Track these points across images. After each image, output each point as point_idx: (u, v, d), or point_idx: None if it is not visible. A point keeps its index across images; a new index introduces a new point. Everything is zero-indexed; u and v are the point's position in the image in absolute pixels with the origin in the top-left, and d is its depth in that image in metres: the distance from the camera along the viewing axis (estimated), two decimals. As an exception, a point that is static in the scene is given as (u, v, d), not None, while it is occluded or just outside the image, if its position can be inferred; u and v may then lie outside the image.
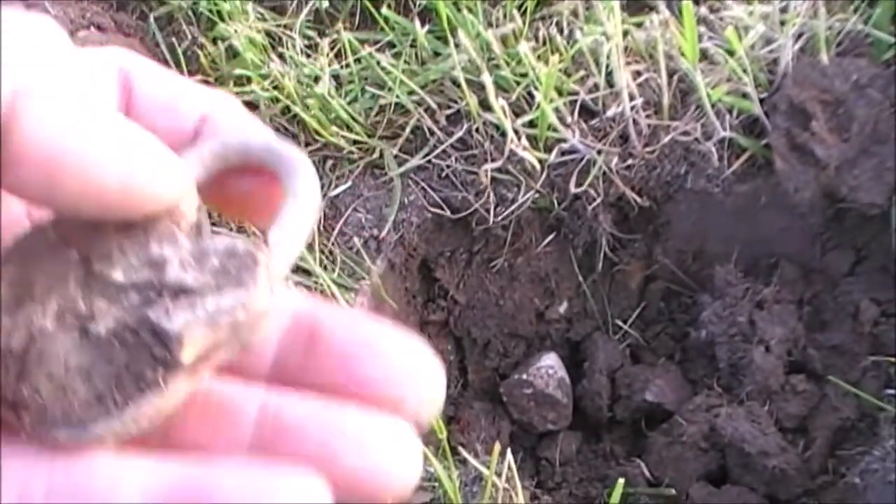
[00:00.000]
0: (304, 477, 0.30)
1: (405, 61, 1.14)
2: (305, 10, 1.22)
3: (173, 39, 1.23)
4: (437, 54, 1.15)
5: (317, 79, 1.14)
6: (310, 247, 1.07)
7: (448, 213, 1.12)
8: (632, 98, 1.08)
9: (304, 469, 0.30)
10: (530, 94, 1.09)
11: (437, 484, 0.95)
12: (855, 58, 1.08)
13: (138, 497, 0.30)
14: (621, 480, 0.88)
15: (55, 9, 1.07)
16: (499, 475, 0.93)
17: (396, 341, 0.33)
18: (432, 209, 1.12)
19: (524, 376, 1.16)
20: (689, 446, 1.06)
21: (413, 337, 0.33)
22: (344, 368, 0.33)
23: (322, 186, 1.12)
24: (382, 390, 0.32)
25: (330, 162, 1.16)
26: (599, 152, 1.09)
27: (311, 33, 1.21)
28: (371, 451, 0.31)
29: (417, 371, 0.33)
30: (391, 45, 1.17)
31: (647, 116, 1.10)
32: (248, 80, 1.16)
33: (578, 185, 1.10)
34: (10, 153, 0.28)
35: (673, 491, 1.06)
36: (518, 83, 1.09)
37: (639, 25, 1.11)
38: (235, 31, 1.17)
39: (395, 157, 1.13)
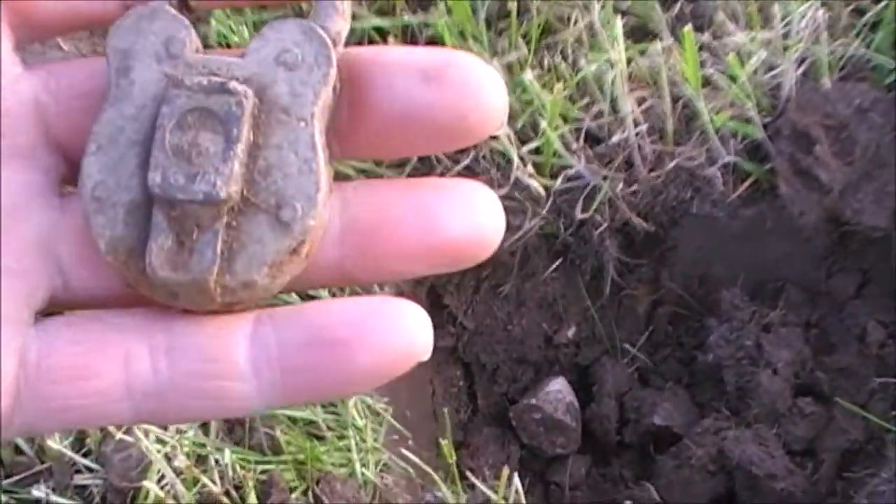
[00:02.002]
0: (410, 307, 0.32)
1: (412, 90, 1.15)
2: (314, 41, 1.23)
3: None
4: (443, 83, 1.16)
5: (325, 108, 1.15)
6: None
7: (456, 239, 1.13)
8: (636, 124, 1.10)
9: (409, 302, 0.32)
10: (535, 122, 1.10)
11: (445, 509, 0.96)
12: (857, 82, 1.09)
13: (246, 354, 0.32)
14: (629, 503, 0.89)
15: (68, 45, 1.09)
16: (507, 500, 0.93)
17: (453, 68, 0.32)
18: (440, 236, 1.13)
19: (533, 401, 1.17)
20: (698, 469, 1.06)
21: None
22: (392, 102, 0.33)
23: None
24: (439, 115, 0.32)
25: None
26: (605, 178, 1.10)
27: (319, 63, 1.22)
28: (470, 210, 0.32)
29: (474, 83, 0.32)
30: (398, 74, 1.19)
31: (652, 142, 1.11)
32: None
33: (584, 210, 1.11)
34: None
35: (682, 514, 1.06)
36: (523, 111, 1.11)
37: (642, 53, 1.12)
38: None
39: (403, 184, 1.14)
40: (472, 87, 0.31)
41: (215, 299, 0.32)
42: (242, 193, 0.32)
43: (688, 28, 1.01)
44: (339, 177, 0.34)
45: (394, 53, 0.33)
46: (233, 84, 0.32)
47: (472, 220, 0.32)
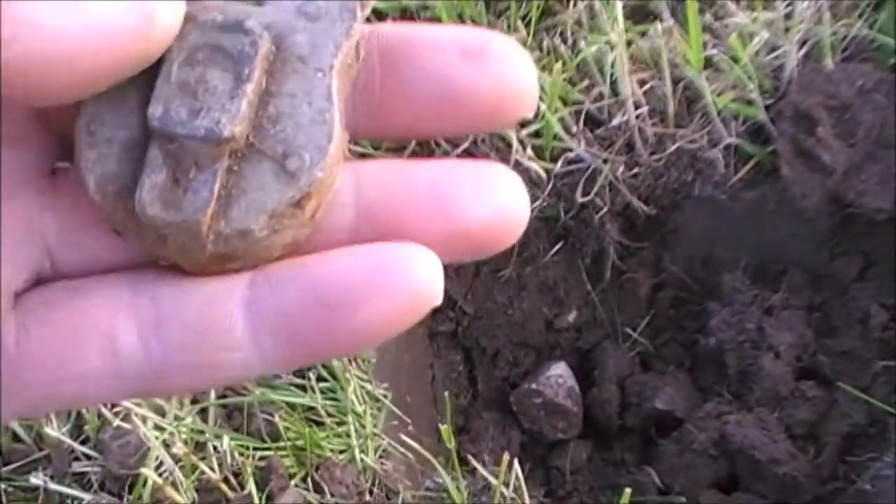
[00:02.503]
0: (416, 251, 0.30)
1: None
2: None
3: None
4: (442, 66, 1.15)
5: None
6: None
7: (455, 223, 1.12)
8: (637, 106, 1.09)
9: (415, 246, 0.30)
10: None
11: (445, 494, 0.96)
12: (860, 63, 1.08)
13: (243, 322, 0.30)
14: (628, 490, 0.88)
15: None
16: (507, 485, 0.93)
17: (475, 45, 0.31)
18: (439, 220, 1.12)
19: (534, 385, 1.17)
20: (699, 454, 1.06)
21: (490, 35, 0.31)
22: (428, 83, 0.31)
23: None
24: (476, 98, 0.31)
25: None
26: (605, 161, 1.09)
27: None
28: (489, 195, 0.30)
29: (512, 66, 0.31)
30: (397, 57, 1.18)
31: (653, 124, 1.10)
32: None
33: (585, 194, 1.10)
34: None
35: (683, 499, 1.06)
36: (523, 93, 1.10)
37: (643, 34, 1.11)
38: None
39: (402, 168, 1.14)
40: (511, 67, 0.30)
41: (206, 247, 0.30)
42: (248, 139, 0.30)
43: (692, 4, 1.00)
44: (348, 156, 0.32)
45: (430, 30, 0.32)
46: (249, 23, 0.30)
47: (494, 204, 0.31)
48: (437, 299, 0.30)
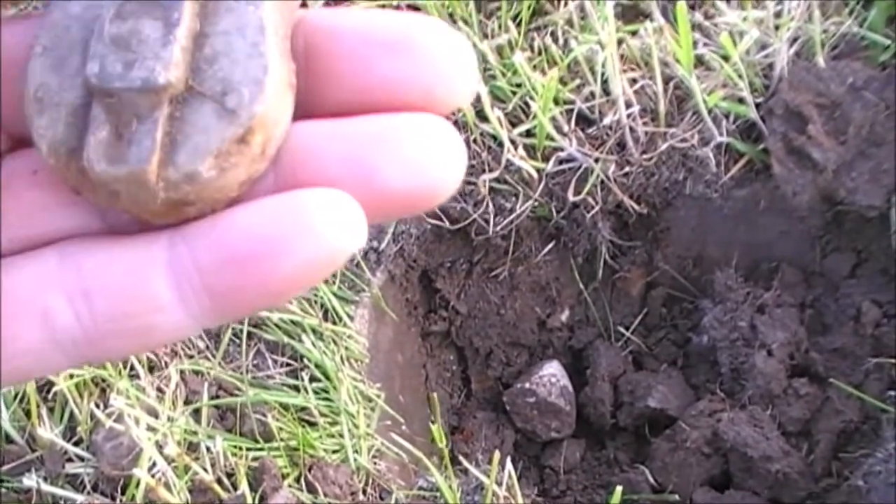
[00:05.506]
0: (329, 197, 0.28)
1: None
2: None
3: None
4: (433, 66, 1.15)
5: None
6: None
7: (447, 223, 1.13)
8: (628, 105, 1.09)
9: (328, 191, 0.28)
10: (526, 104, 1.09)
11: (438, 494, 0.96)
12: (850, 60, 1.08)
13: (166, 284, 0.30)
14: (619, 487, 0.88)
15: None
16: (500, 484, 0.93)
17: (407, 27, 0.29)
18: (431, 220, 1.13)
19: (527, 385, 1.17)
20: (692, 452, 1.06)
21: (429, 20, 0.29)
22: (352, 76, 0.30)
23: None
24: (403, 89, 0.29)
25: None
26: (597, 160, 1.09)
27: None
28: (412, 155, 0.28)
29: (441, 53, 0.29)
30: (388, 57, 1.17)
31: (644, 123, 1.10)
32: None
33: (577, 193, 1.10)
34: None
35: (677, 497, 1.06)
36: (514, 93, 1.10)
37: (634, 33, 1.11)
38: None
39: (394, 168, 1.14)
40: (438, 58, 0.29)
41: (158, 195, 0.30)
42: (187, 83, 0.30)
43: (681, 4, 1.00)
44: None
45: (354, 20, 0.31)
46: None
47: (415, 168, 0.29)
48: (358, 242, 0.29)
